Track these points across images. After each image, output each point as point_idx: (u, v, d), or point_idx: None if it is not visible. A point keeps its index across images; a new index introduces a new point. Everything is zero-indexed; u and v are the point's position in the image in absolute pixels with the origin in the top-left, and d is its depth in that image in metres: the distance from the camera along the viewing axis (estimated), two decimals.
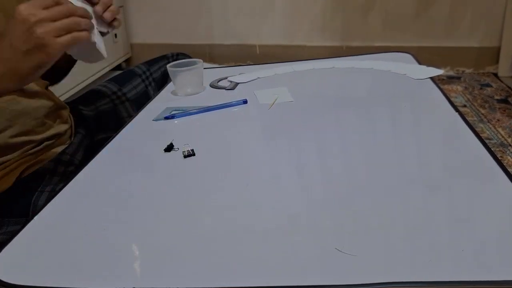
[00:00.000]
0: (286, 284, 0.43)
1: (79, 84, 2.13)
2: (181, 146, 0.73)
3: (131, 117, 0.91)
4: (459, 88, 2.24)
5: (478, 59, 2.43)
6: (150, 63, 1.15)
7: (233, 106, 0.89)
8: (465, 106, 2.01)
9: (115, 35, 2.46)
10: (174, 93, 1.01)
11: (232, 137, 0.78)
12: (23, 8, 0.63)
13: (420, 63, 1.04)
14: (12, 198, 0.76)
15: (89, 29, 0.69)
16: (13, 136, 0.77)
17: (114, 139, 0.80)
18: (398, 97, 0.87)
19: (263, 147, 0.74)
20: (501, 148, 1.63)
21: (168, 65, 0.99)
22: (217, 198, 0.59)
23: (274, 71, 1.09)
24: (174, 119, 0.86)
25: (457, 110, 0.77)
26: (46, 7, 0.64)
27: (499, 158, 0.74)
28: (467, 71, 2.46)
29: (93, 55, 0.75)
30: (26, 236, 0.55)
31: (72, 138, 0.92)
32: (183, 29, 2.58)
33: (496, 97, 2.09)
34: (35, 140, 0.81)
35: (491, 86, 2.24)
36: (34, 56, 0.65)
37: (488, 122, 1.84)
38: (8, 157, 0.77)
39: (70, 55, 0.97)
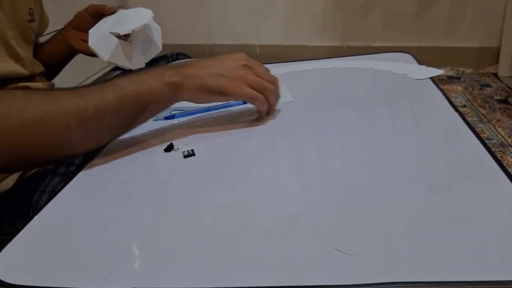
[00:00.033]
0: (286, 284, 0.43)
1: (79, 84, 2.13)
2: (181, 146, 0.73)
3: None
4: (459, 88, 2.24)
5: (478, 59, 2.43)
6: (150, 63, 1.15)
7: (233, 106, 0.89)
8: (465, 106, 2.01)
9: None
10: None
11: (232, 137, 0.78)
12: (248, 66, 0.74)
13: (420, 63, 1.04)
14: (12, 198, 0.76)
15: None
16: None
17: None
18: (398, 97, 0.87)
19: (263, 147, 0.74)
20: (501, 148, 1.63)
21: None
22: (217, 198, 0.59)
23: (273, 71, 1.09)
24: (174, 119, 0.86)
25: (457, 110, 0.77)
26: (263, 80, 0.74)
27: (499, 158, 0.74)
28: (467, 71, 2.46)
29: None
30: (26, 236, 0.55)
31: None
32: (183, 29, 2.58)
33: (496, 97, 2.09)
34: None
35: (491, 86, 2.25)
36: (223, 82, 0.71)
37: (488, 122, 1.84)
38: None
39: (70, 51, 0.97)
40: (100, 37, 0.81)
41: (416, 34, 2.39)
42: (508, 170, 0.57)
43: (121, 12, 0.83)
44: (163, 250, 0.50)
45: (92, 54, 0.91)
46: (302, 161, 0.67)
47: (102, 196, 0.63)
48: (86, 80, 2.20)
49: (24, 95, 0.58)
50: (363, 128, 0.76)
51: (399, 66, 1.02)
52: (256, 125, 0.82)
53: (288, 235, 0.51)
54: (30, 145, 0.58)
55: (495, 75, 2.36)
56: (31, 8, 0.88)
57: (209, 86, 0.70)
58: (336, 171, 0.64)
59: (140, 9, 0.84)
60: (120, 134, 0.70)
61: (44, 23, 1.00)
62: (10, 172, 0.75)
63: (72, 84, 2.22)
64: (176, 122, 0.86)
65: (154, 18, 0.87)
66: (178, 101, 0.73)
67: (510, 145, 1.63)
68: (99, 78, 2.31)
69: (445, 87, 2.25)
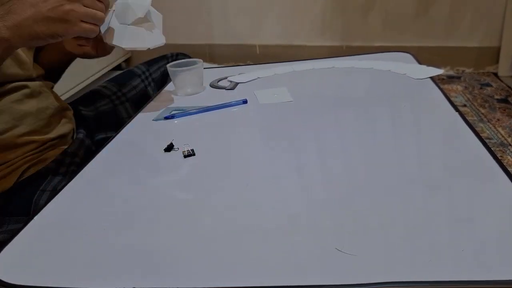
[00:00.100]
0: (286, 284, 0.43)
1: (78, 84, 2.13)
2: (181, 146, 0.73)
3: (131, 117, 0.91)
4: (459, 87, 2.24)
5: (478, 59, 2.43)
6: (150, 63, 1.15)
7: (233, 106, 0.89)
8: (465, 105, 2.01)
9: None
10: (174, 93, 1.01)
11: (232, 137, 0.78)
12: None
13: (420, 63, 1.04)
14: (13, 197, 0.76)
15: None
16: (19, 135, 0.77)
17: (114, 139, 0.80)
18: (398, 97, 0.87)
19: (263, 147, 0.74)
20: (501, 148, 1.63)
21: (168, 65, 0.99)
22: (217, 198, 0.59)
23: (273, 71, 1.09)
24: (174, 119, 0.86)
25: (457, 109, 0.77)
26: None
27: (499, 157, 0.74)
28: (467, 70, 2.46)
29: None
30: (26, 236, 0.55)
31: (74, 139, 0.92)
32: (183, 29, 2.58)
33: (496, 97, 2.09)
34: (40, 140, 0.81)
35: (491, 85, 2.24)
36: (52, 26, 0.67)
37: (488, 121, 1.84)
38: (11, 156, 0.77)
39: (69, 57, 0.97)
40: (118, 30, 0.82)
41: (416, 34, 2.39)
42: (508, 169, 0.57)
43: (118, 4, 0.83)
44: (163, 250, 0.50)
45: (90, 57, 0.91)
46: (302, 161, 0.67)
47: (102, 196, 0.63)
48: (86, 80, 2.21)
49: None
50: (363, 128, 0.76)
51: (399, 66, 1.02)
52: (256, 125, 0.82)
53: (288, 235, 0.51)
54: None
55: (495, 74, 2.35)
56: None
57: (38, 34, 0.67)
58: (336, 171, 0.64)
59: None
60: None
61: None
62: None
63: (72, 85, 2.21)
64: (176, 122, 0.86)
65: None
66: (12, 52, 0.72)
67: (510, 145, 1.63)
68: (99, 78, 2.32)
69: (445, 86, 2.25)
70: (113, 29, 0.82)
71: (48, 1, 0.67)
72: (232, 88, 1.00)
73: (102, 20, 0.73)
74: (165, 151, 0.73)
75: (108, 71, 2.42)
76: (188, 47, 2.42)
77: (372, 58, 1.11)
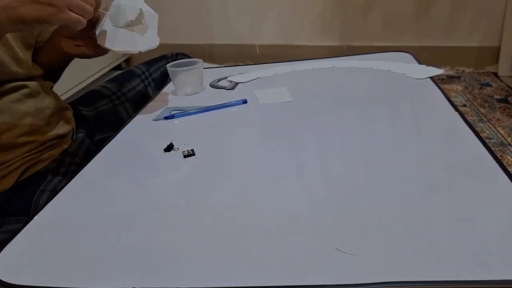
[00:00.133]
0: (286, 284, 0.43)
1: (78, 84, 2.13)
2: (181, 146, 0.73)
3: (131, 117, 0.91)
4: (459, 87, 2.24)
5: (478, 59, 2.43)
6: (150, 63, 1.16)
7: (233, 106, 0.89)
8: (465, 105, 2.01)
9: None
10: (174, 93, 1.01)
11: (232, 137, 0.78)
12: None
13: (420, 63, 1.04)
14: (13, 197, 0.76)
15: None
16: (18, 135, 0.77)
17: (114, 139, 0.80)
18: (398, 97, 0.87)
19: (263, 147, 0.74)
20: (501, 148, 1.63)
21: (168, 65, 0.99)
22: (217, 198, 0.59)
23: (273, 71, 1.09)
24: (174, 119, 0.86)
25: (457, 109, 0.77)
26: None
27: (499, 157, 0.73)
28: (467, 70, 2.46)
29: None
30: (26, 236, 0.55)
31: (74, 139, 0.92)
32: (183, 29, 2.58)
33: (496, 97, 2.09)
34: (39, 140, 0.81)
35: (491, 85, 2.25)
36: (38, 9, 0.66)
37: (488, 121, 1.84)
38: (11, 156, 0.77)
39: (67, 58, 0.97)
40: (110, 33, 0.82)
41: (416, 34, 2.39)
42: (508, 169, 0.57)
43: (112, 7, 0.83)
44: (163, 250, 0.50)
45: (88, 57, 0.91)
46: (302, 161, 0.67)
47: (102, 196, 0.63)
48: (86, 80, 2.21)
49: None
50: (363, 128, 0.76)
51: (399, 66, 1.02)
52: (256, 125, 0.82)
53: (288, 235, 0.51)
54: None
55: (495, 74, 2.36)
56: None
57: (24, 17, 0.66)
58: (336, 171, 0.64)
59: None
60: None
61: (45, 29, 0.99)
62: None
63: (71, 85, 2.21)
64: (176, 122, 0.86)
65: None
66: (1, 36, 0.71)
67: (510, 144, 1.63)
68: (99, 78, 2.32)
69: (445, 86, 2.25)
70: (106, 32, 0.82)
71: None
72: (232, 88, 1.01)
73: (90, 14, 0.72)
74: (165, 151, 0.73)
75: (108, 71, 2.43)
76: (188, 47, 2.42)
77: (372, 58, 1.11)
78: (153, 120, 0.87)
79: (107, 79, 1.12)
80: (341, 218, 0.53)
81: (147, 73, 1.12)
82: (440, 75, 1.10)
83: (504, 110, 1.93)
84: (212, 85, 1.04)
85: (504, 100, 2.05)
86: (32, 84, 0.83)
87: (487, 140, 1.38)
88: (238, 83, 1.03)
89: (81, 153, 0.89)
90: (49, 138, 0.83)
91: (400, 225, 0.51)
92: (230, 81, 1.05)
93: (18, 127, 0.78)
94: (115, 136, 0.81)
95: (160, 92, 1.03)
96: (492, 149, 0.63)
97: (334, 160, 0.66)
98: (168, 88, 1.04)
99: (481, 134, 0.68)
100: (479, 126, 1.78)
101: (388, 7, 2.40)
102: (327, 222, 0.52)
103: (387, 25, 2.44)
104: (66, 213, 0.60)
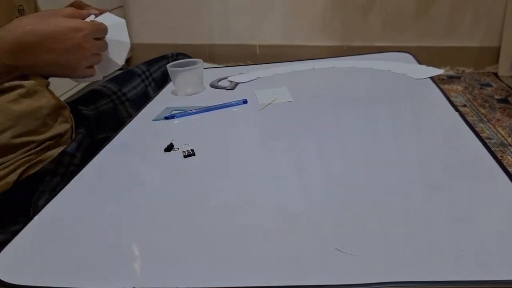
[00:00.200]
0: (286, 284, 0.43)
1: (78, 84, 2.13)
2: (181, 146, 0.73)
3: (131, 117, 0.91)
4: (459, 87, 2.24)
5: (478, 59, 2.43)
6: (150, 63, 1.15)
7: (233, 106, 0.89)
8: (465, 105, 2.01)
9: None
10: (174, 93, 1.01)
11: (232, 137, 0.78)
12: (81, 27, 0.70)
13: (420, 63, 1.04)
14: (12, 198, 0.76)
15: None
16: (15, 136, 0.77)
17: (114, 139, 0.80)
18: (398, 97, 0.87)
19: (263, 147, 0.74)
20: (501, 148, 1.63)
21: (168, 65, 0.99)
22: (217, 198, 0.59)
23: (273, 71, 1.09)
24: (174, 119, 0.86)
25: (457, 109, 0.77)
26: (97, 38, 0.73)
27: (499, 158, 0.73)
28: (467, 71, 2.46)
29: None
30: (26, 236, 0.55)
31: (73, 138, 0.92)
32: (183, 29, 2.58)
33: (496, 97, 2.10)
34: (37, 140, 0.81)
35: (491, 85, 2.25)
36: (61, 71, 0.73)
37: (488, 121, 1.84)
38: (9, 157, 0.77)
39: None
40: None
41: (416, 34, 2.40)
42: (508, 169, 0.57)
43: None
44: (163, 250, 0.50)
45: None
46: (302, 161, 0.67)
47: (102, 196, 0.63)
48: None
49: None
50: (363, 128, 0.76)
51: (399, 66, 1.02)
52: (256, 125, 0.82)
53: (288, 235, 0.51)
54: None
55: (495, 74, 2.36)
56: (21, 5, 0.87)
57: (45, 72, 0.75)
58: (336, 171, 0.64)
59: (107, 16, 0.80)
60: None
61: None
62: None
63: (72, 84, 2.21)
64: (176, 122, 0.86)
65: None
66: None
67: (510, 145, 1.63)
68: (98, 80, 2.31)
69: (445, 86, 2.25)
70: None
71: (68, 46, 0.69)
72: (232, 88, 1.01)
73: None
74: (165, 151, 0.73)
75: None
76: (188, 47, 2.42)
77: (372, 58, 1.11)
78: (153, 120, 0.87)
79: (107, 78, 1.12)
80: (341, 218, 0.53)
81: (147, 73, 1.12)
82: (440, 75, 1.10)
83: (504, 110, 1.94)
84: (212, 85, 1.04)
85: (504, 100, 2.05)
86: (27, 83, 0.82)
87: (487, 140, 1.38)
88: (238, 83, 1.03)
89: (80, 153, 0.89)
90: (47, 137, 0.82)
91: (400, 225, 0.51)
92: (230, 81, 1.05)
93: (15, 128, 0.77)
94: (115, 136, 0.81)
95: (160, 92, 1.03)
96: (492, 149, 0.63)
97: (334, 160, 0.66)
98: (168, 88, 1.04)
99: (481, 134, 0.68)
100: (479, 126, 1.78)
101: (388, 7, 2.41)
102: (327, 222, 0.52)
103: (387, 25, 2.44)
104: (66, 213, 0.60)
